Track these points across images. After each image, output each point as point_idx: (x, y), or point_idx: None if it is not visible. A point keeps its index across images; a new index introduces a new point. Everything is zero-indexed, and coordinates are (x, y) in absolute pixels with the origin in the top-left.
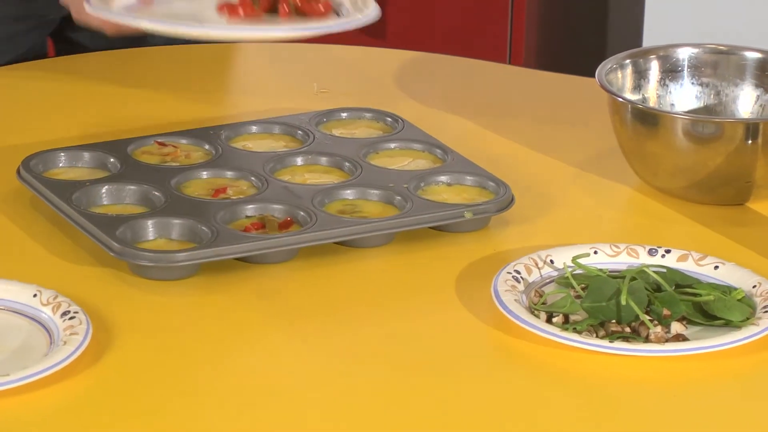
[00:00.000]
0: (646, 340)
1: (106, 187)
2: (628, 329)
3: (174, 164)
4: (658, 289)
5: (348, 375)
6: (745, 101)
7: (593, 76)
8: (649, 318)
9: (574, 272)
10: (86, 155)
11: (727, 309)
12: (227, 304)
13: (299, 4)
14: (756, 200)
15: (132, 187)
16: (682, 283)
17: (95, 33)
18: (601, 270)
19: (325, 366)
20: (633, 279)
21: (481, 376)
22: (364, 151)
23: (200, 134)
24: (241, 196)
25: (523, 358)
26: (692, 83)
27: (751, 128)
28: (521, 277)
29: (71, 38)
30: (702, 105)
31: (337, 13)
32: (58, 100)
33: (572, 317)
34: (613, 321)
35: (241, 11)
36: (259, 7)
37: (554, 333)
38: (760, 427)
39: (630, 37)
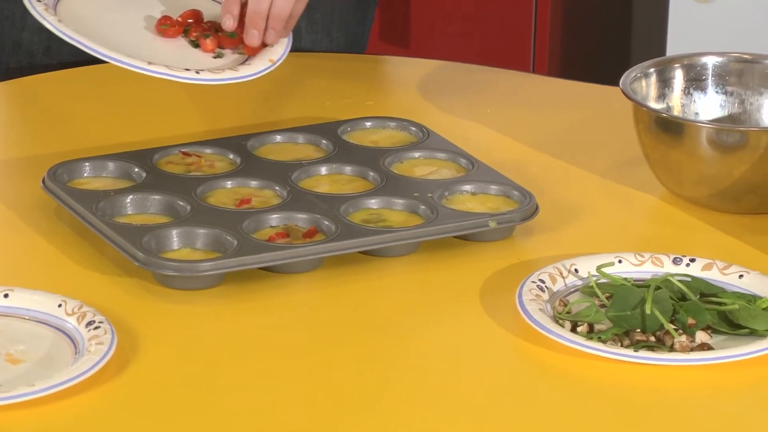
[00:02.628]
0: (671, 349)
1: (131, 196)
2: (652, 338)
3: (198, 174)
4: (683, 298)
5: (373, 384)
6: None
7: (617, 84)
8: (673, 327)
9: (599, 281)
10: (111, 165)
11: (752, 318)
12: (252, 314)
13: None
14: None
15: (156, 196)
16: (706, 292)
17: None
18: (625, 279)
19: (350, 375)
20: (658, 288)
21: (506, 385)
22: (389, 160)
23: (224, 144)
24: (265, 206)
25: (548, 367)
26: (717, 92)
27: None
28: (546, 286)
29: None
30: (726, 114)
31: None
32: (82, 110)
33: (597, 326)
34: (638, 330)
35: (171, 33)
36: (187, 36)
37: (579, 342)
38: None
39: (653, 45)
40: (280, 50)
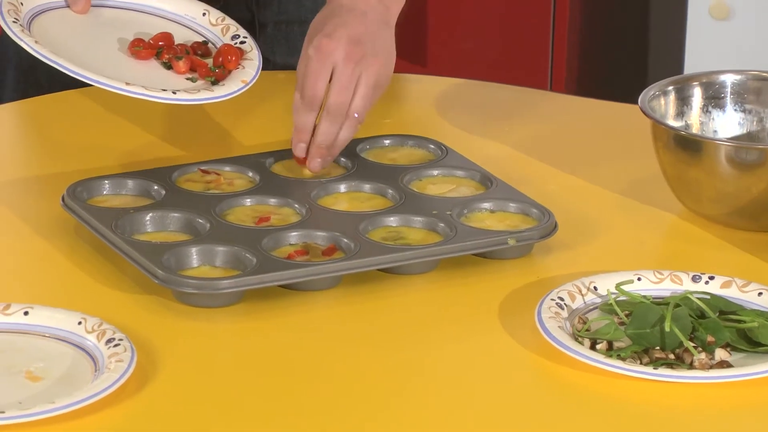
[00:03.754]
0: (691, 366)
1: (150, 214)
2: (672, 356)
3: (217, 192)
4: (702, 315)
5: (392, 401)
6: None
7: (634, 102)
8: (693, 345)
9: (618, 299)
10: (130, 183)
11: None
12: (271, 331)
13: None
14: None
15: (176, 214)
16: (725, 309)
17: None
18: (644, 297)
19: (369, 392)
20: (677, 306)
21: (525, 403)
22: (407, 178)
23: (243, 161)
24: (284, 224)
25: (568, 384)
26: (735, 110)
27: None
28: (565, 303)
29: None
30: (745, 132)
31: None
32: (101, 128)
33: (616, 344)
34: (657, 348)
35: (143, 55)
36: (159, 58)
37: (598, 360)
38: None
39: (671, 63)
40: (251, 72)
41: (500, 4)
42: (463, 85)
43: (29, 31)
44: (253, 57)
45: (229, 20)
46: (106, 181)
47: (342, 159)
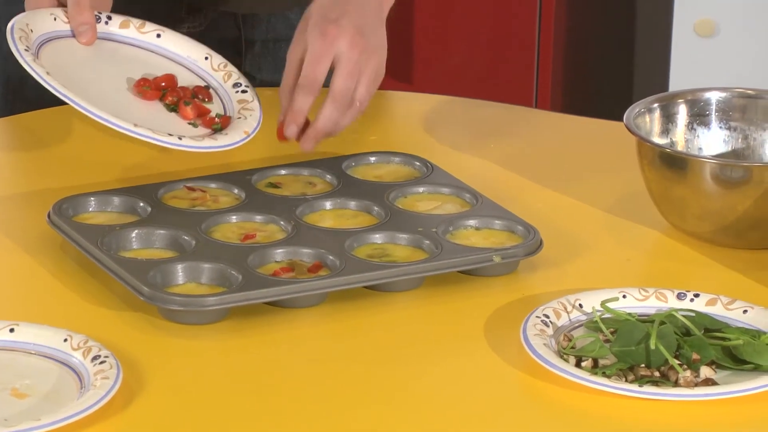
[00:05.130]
0: (676, 384)
1: (136, 231)
2: (657, 373)
3: (203, 208)
4: (687, 333)
5: (377, 418)
6: None
7: (620, 119)
8: (678, 362)
9: (603, 316)
10: (116, 200)
11: (756, 353)
12: (257, 348)
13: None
14: None
15: (162, 231)
16: (711, 327)
17: None
18: (630, 314)
19: (354, 409)
20: (662, 323)
21: (510, 421)
22: (393, 195)
23: (229, 178)
24: (270, 241)
25: (553, 402)
26: (720, 127)
27: None
28: (550, 321)
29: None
30: (730, 149)
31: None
32: (88, 145)
33: (601, 361)
34: (643, 365)
35: (149, 96)
36: (164, 100)
37: (583, 377)
38: None
39: (656, 80)
40: (253, 123)
41: (486, 21)
42: (449, 103)
43: (38, 57)
44: (254, 108)
45: (230, 67)
46: (92, 198)
47: (328, 176)
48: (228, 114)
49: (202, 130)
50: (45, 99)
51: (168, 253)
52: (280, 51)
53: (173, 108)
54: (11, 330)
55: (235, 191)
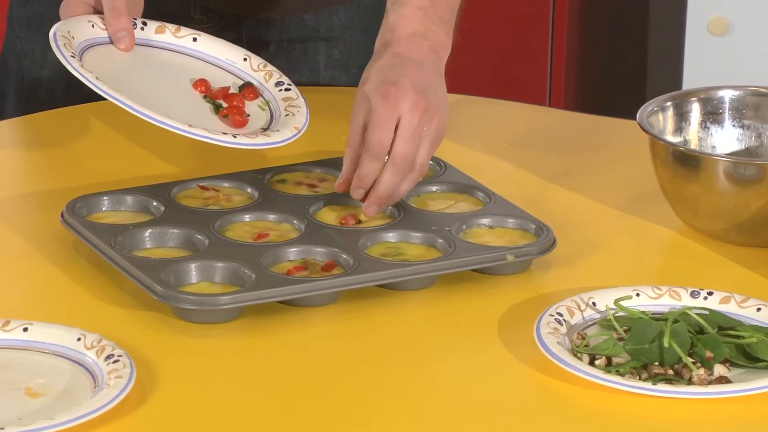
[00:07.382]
0: (689, 382)
1: (149, 230)
2: (671, 371)
3: (216, 208)
4: (701, 331)
5: (391, 417)
6: None
7: (633, 118)
8: (692, 360)
9: (617, 315)
10: (129, 199)
11: None
12: (270, 347)
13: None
14: None
15: (175, 230)
16: (724, 325)
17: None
18: (643, 312)
19: (368, 408)
20: (675, 321)
21: (524, 419)
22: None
23: (242, 177)
24: (283, 240)
25: (566, 400)
26: (733, 125)
27: None
28: (564, 319)
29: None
30: (743, 147)
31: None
32: (101, 144)
33: (615, 360)
34: (656, 363)
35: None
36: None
37: (597, 375)
38: None
39: (669, 78)
40: (302, 119)
41: (498, 20)
42: (462, 101)
43: (81, 63)
44: (300, 105)
45: (270, 66)
46: (105, 198)
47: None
48: (273, 112)
49: (253, 128)
50: (58, 99)
51: (181, 252)
52: (294, 51)
53: (219, 106)
54: (25, 329)
55: (248, 190)
